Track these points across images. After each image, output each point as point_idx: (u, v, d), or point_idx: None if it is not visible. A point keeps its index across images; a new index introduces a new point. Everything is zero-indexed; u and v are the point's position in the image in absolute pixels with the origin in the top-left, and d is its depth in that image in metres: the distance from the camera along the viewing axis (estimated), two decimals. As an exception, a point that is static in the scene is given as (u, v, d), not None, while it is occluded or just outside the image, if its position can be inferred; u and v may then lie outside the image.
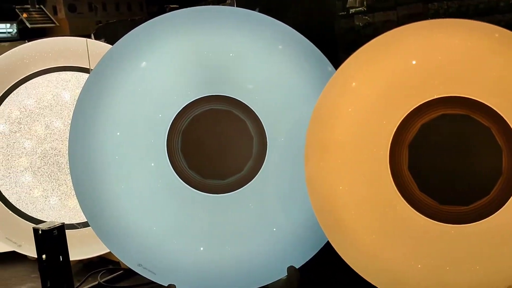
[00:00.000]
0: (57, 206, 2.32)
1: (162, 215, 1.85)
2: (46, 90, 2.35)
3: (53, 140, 2.32)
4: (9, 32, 11.11)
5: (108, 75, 1.86)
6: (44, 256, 1.98)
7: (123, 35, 1.98)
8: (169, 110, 1.84)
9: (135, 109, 1.86)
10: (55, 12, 10.47)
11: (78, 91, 2.32)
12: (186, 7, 1.91)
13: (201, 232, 1.86)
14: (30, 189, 2.31)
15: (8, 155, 2.31)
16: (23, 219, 2.29)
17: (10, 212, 2.29)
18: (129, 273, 2.22)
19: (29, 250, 2.24)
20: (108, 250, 2.21)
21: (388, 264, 1.54)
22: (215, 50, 1.87)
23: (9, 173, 2.30)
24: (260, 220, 1.86)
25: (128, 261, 1.85)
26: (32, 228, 1.99)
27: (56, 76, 2.37)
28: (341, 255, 1.62)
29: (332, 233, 1.64)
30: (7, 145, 2.31)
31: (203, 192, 1.83)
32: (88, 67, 2.36)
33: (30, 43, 2.36)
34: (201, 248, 1.86)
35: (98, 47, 2.37)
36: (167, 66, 1.86)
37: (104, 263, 2.36)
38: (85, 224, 2.28)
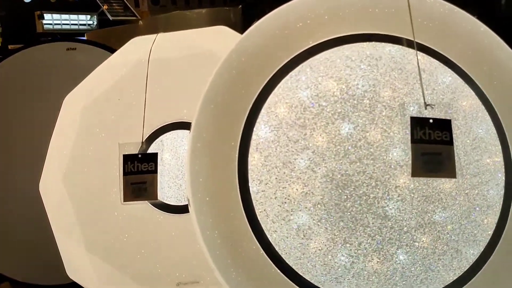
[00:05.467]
0: (358, 272, 1.35)
1: None
2: (336, 72, 1.39)
3: (352, 161, 1.34)
4: (89, 24, 10.43)
5: None
6: None
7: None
8: None
9: None
10: (136, 5, 9.72)
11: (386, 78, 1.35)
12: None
13: None
14: (308, 238, 1.35)
15: (279, 179, 1.35)
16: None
17: (286, 278, 1.33)
18: None
19: None
20: None
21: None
22: None
23: (285, 210, 1.34)
24: None
25: None
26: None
27: (351, 49, 1.40)
28: None
29: None
30: (282, 163, 1.35)
31: None
32: (411, 38, 1.39)
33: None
34: None
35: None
36: None
37: None
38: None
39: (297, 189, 1.34)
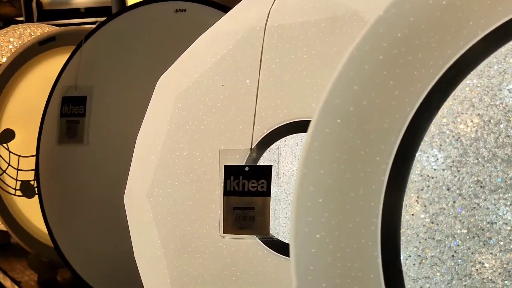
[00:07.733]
0: None
1: None
2: None
3: None
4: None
5: None
6: None
7: None
8: None
9: None
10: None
11: None
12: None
13: None
14: None
15: (464, 259, 0.72)
16: None
17: None
18: None
19: None
20: None
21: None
22: None
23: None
24: None
25: None
26: None
27: None
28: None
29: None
30: (467, 230, 0.72)
31: None
32: None
33: None
34: None
35: None
36: None
37: None
38: None
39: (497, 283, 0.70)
